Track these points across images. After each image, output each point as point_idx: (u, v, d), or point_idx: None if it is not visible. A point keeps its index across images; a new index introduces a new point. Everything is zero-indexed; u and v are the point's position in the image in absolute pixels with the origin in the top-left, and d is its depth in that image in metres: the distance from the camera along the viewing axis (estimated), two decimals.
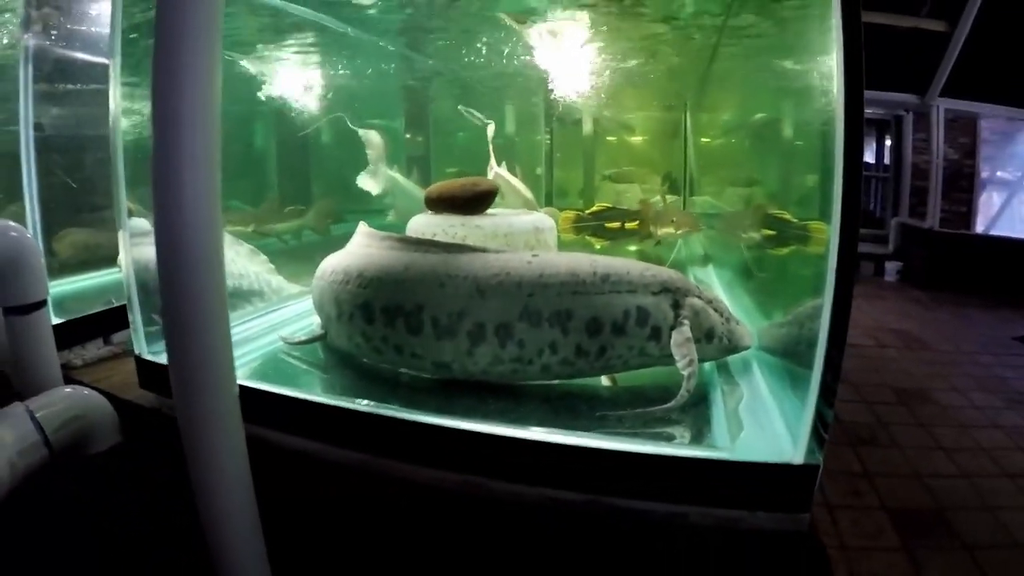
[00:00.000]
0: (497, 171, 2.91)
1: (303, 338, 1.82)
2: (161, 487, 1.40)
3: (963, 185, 7.68)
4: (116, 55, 1.72)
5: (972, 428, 3.53)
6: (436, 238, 1.99)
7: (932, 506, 2.70)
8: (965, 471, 3.02)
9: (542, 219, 2.19)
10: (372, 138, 2.77)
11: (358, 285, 1.59)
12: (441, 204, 2.10)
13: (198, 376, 1.05)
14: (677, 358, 1.44)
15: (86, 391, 1.58)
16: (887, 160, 8.61)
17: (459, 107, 3.07)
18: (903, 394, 4.05)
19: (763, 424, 1.31)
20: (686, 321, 1.47)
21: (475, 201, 2.10)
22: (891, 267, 7.85)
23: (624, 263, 1.52)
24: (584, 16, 2.30)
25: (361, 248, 1.72)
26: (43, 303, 1.65)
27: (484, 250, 1.55)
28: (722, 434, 1.30)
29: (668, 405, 1.38)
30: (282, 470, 1.42)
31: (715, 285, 2.70)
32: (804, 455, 1.17)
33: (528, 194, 2.80)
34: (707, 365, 1.63)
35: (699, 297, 1.53)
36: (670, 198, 3.36)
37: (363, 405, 1.42)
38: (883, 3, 6.92)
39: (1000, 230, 7.77)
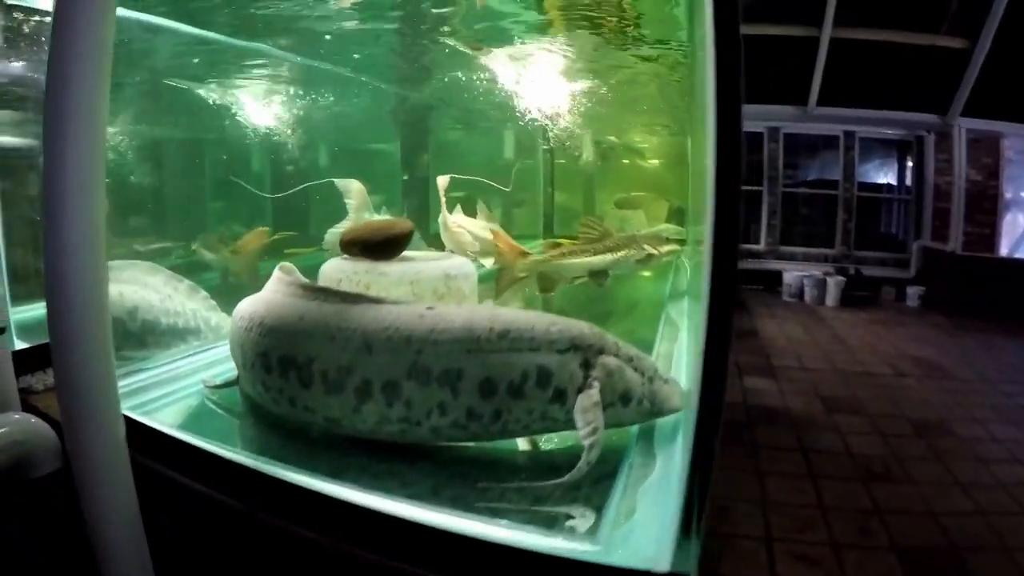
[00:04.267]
0: (452, 220, 2.82)
1: (219, 382, 1.74)
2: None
3: (986, 207, 7.55)
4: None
5: (992, 463, 3.38)
6: (340, 285, 1.87)
7: (946, 546, 2.60)
8: (982, 508, 2.88)
9: (458, 265, 2.04)
10: (352, 187, 2.69)
11: (259, 333, 1.50)
12: (353, 248, 1.96)
13: (83, 404, 1.07)
14: (579, 425, 1.26)
15: (33, 419, 1.59)
16: (909, 182, 8.52)
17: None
18: (921, 426, 3.91)
19: (658, 510, 1.11)
20: (596, 383, 1.30)
21: (386, 245, 1.96)
22: (913, 292, 7.76)
23: (530, 317, 1.37)
24: (539, 41, 2.23)
25: (269, 293, 1.63)
26: (1, 331, 1.67)
27: (380, 301, 1.43)
28: (609, 521, 1.13)
29: (560, 480, 1.21)
30: (180, 509, 1.39)
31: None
32: (671, 560, 0.97)
33: (488, 235, 2.67)
34: (634, 428, 1.46)
35: (616, 355, 1.37)
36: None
37: (240, 455, 1.35)
38: (899, 21, 6.83)
39: None
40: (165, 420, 1.56)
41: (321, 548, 1.20)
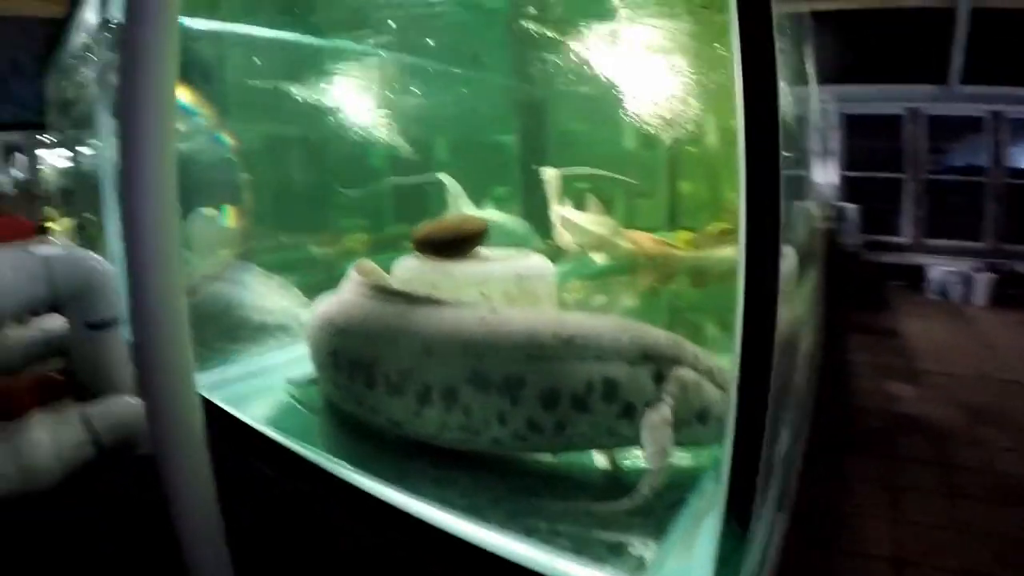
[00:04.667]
0: (564, 215, 2.74)
1: (301, 379, 1.80)
2: None
3: None
4: None
5: None
6: (409, 284, 1.82)
7: None
8: None
9: (532, 265, 1.92)
10: (450, 182, 2.71)
11: (329, 333, 1.52)
12: (424, 247, 1.91)
13: (161, 390, 1.08)
14: (645, 445, 1.18)
15: (139, 401, 1.74)
16: None
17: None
18: None
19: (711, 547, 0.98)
20: (668, 398, 1.19)
21: (457, 244, 1.87)
22: None
23: (599, 323, 1.27)
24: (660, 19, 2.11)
25: (342, 293, 1.64)
26: (115, 321, 1.86)
27: (441, 303, 1.39)
28: (664, 556, 1.02)
29: (618, 503, 1.13)
30: (253, 495, 1.50)
31: None
32: None
33: (600, 229, 2.54)
34: (715, 450, 1.32)
35: (694, 367, 1.25)
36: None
37: (305, 448, 1.42)
38: None
39: None
40: (247, 411, 1.66)
41: (366, 543, 1.20)
